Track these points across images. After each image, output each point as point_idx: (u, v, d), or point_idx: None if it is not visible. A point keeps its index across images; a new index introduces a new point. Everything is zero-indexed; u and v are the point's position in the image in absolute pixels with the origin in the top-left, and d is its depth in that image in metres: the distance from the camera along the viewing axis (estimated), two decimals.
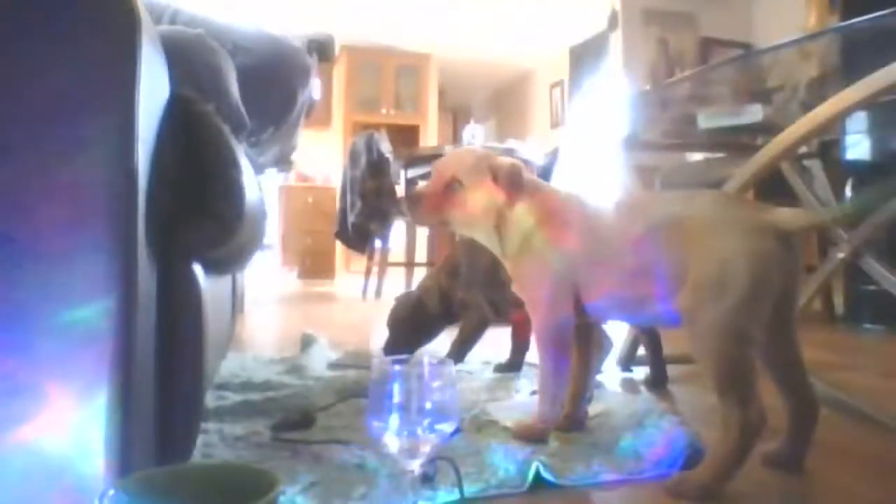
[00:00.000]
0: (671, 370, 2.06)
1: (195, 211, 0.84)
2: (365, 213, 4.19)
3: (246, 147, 1.41)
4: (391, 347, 1.99)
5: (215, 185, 0.87)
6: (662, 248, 1.07)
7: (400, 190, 4.43)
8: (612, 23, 4.72)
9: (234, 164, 0.90)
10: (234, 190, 0.88)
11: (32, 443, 0.64)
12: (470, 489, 0.95)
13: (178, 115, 0.86)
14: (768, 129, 2.11)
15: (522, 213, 1.24)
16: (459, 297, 2.00)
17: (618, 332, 2.06)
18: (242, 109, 1.36)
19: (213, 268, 0.97)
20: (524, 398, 1.54)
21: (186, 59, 1.13)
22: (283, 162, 2.01)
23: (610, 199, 1.22)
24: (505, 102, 8.36)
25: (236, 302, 2.16)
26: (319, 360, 1.97)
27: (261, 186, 1.20)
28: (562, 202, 1.25)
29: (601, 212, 1.20)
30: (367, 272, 4.68)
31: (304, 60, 1.70)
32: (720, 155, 3.47)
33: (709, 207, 1.07)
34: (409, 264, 4.51)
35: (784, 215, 1.02)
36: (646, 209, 1.16)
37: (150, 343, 0.76)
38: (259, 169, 1.68)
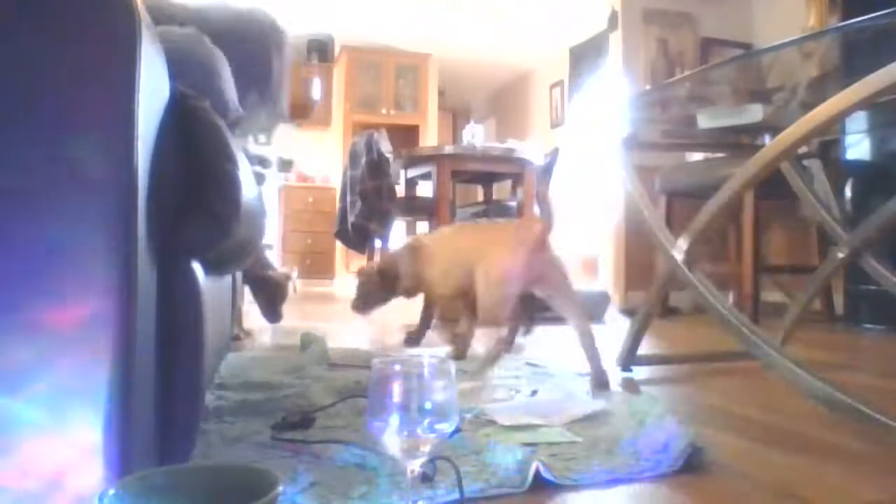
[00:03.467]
0: (671, 370, 2.05)
1: (192, 208, 0.84)
2: (365, 213, 4.18)
3: (246, 148, 1.41)
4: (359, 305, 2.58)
5: (212, 181, 0.86)
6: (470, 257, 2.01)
7: (400, 190, 4.43)
8: (612, 23, 4.71)
9: (230, 160, 0.89)
10: (230, 186, 0.88)
11: (32, 442, 0.64)
12: (470, 489, 0.95)
13: (177, 112, 0.86)
14: (768, 129, 2.11)
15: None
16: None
17: (618, 332, 2.06)
18: (239, 108, 1.36)
19: (212, 266, 0.97)
20: (524, 398, 1.54)
21: (180, 57, 1.13)
22: (272, 129, 2.01)
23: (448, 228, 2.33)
24: (505, 102, 8.36)
25: (236, 302, 2.16)
26: (319, 360, 1.97)
27: (260, 178, 1.20)
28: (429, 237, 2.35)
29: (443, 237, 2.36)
30: None
31: (272, 20, 1.72)
32: (720, 155, 3.47)
33: (490, 233, 2.07)
34: None
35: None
36: (462, 234, 2.26)
37: (150, 343, 0.76)
38: (246, 133, 1.70)
